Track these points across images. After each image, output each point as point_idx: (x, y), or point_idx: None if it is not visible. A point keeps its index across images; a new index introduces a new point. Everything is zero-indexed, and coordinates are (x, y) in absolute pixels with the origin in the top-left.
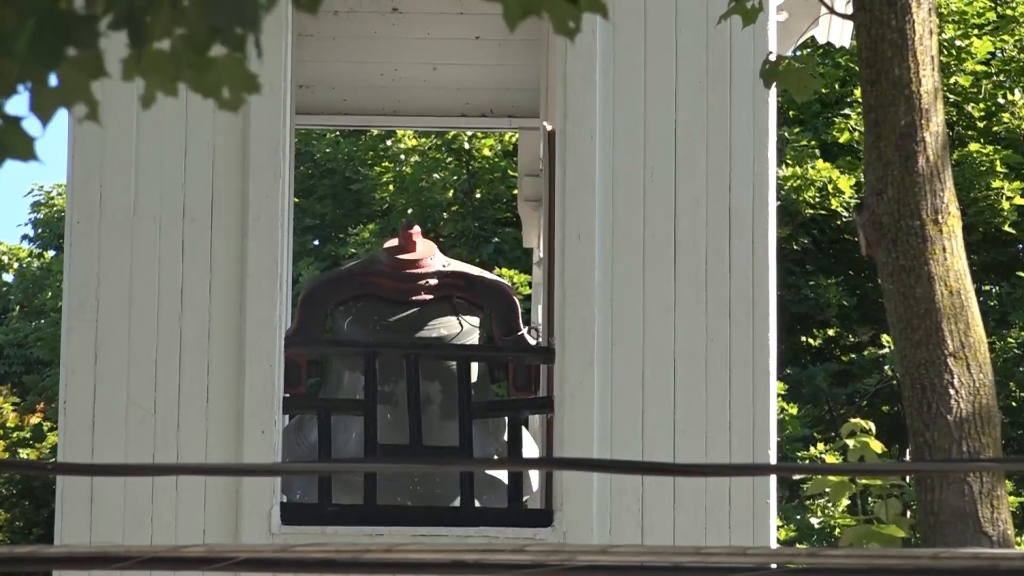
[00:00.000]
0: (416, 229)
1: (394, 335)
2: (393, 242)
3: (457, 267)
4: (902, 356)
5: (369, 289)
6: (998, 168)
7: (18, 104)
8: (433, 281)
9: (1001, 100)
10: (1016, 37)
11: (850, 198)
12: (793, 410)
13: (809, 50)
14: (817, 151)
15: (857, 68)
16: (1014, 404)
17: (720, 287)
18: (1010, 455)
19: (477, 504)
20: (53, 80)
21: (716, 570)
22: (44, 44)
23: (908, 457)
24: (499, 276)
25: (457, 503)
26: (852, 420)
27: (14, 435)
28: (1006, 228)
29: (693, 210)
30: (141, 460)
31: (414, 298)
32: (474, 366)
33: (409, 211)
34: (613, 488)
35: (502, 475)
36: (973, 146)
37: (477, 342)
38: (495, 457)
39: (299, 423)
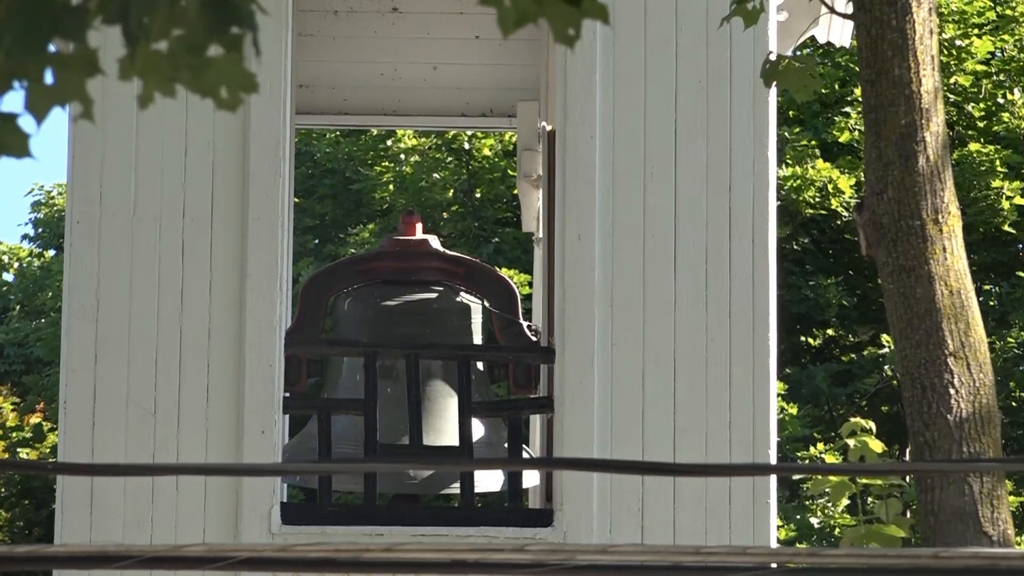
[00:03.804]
0: (418, 217)
1: (393, 313)
2: (395, 232)
3: (458, 255)
4: (902, 356)
5: (370, 276)
6: (998, 168)
7: (13, 101)
8: (435, 263)
9: (1001, 100)
10: (1016, 37)
11: (850, 198)
12: (793, 410)
13: (809, 50)
14: (817, 151)
15: (857, 68)
16: (1014, 404)
17: (720, 287)
18: (1010, 455)
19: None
20: (49, 78)
21: (716, 569)
22: (31, 33)
23: (908, 457)
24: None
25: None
26: (852, 420)
27: (14, 435)
28: (1006, 228)
29: (693, 210)
30: (141, 460)
31: (415, 278)
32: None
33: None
34: (613, 488)
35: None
36: (973, 146)
37: (480, 319)
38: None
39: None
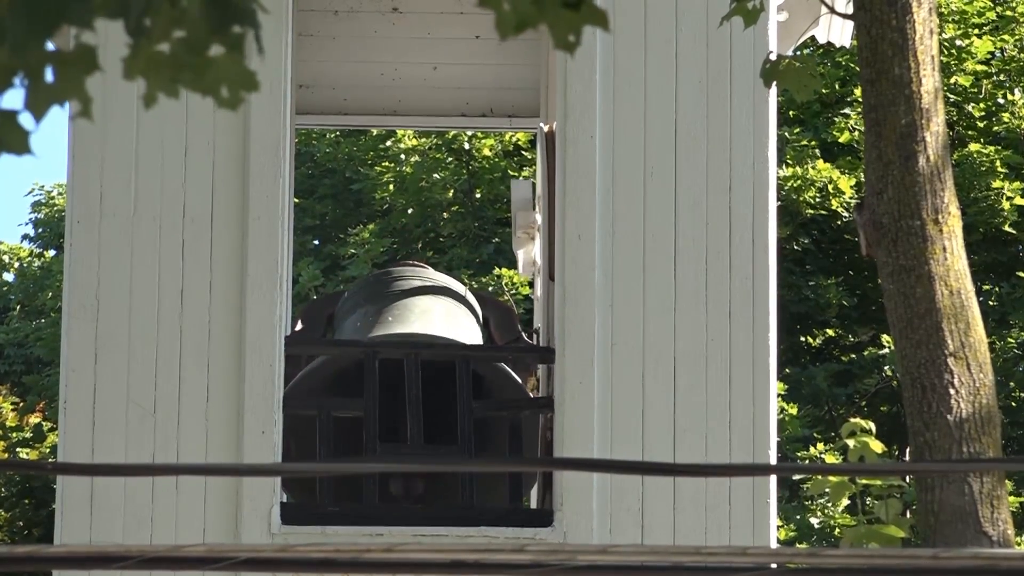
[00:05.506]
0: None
1: (393, 281)
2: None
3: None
4: (902, 356)
5: None
6: (998, 168)
7: (13, 99)
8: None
9: (1001, 100)
10: (1016, 37)
11: (850, 198)
12: (793, 410)
13: (809, 50)
14: (817, 151)
15: (857, 68)
16: (1014, 404)
17: (720, 287)
18: (1010, 455)
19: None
20: (49, 76)
21: (716, 570)
22: (38, 22)
23: (908, 457)
24: (499, 275)
25: None
26: (852, 420)
27: (14, 435)
28: (1006, 228)
29: (693, 210)
30: (141, 460)
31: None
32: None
33: (409, 211)
34: (613, 488)
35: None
36: (973, 146)
37: (475, 307)
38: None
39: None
